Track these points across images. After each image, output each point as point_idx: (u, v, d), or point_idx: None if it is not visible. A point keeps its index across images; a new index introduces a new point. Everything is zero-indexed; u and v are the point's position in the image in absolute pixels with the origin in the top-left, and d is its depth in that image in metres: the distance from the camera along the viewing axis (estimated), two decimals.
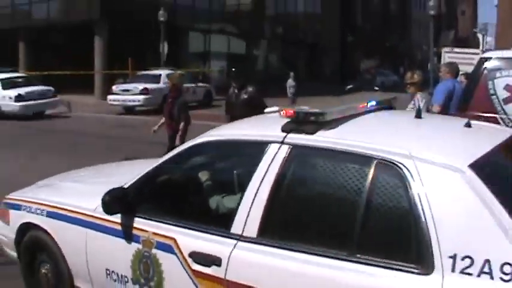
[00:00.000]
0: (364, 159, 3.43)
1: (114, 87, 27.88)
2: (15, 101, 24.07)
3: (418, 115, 4.06)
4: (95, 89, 35.56)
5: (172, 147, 8.61)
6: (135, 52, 35.68)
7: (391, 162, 3.32)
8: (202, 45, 46.14)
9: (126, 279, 4.34)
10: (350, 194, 3.46)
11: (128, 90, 26.60)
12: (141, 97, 25.82)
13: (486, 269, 2.88)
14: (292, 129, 3.77)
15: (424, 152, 3.34)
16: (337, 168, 3.59)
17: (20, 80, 26.63)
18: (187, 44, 43.70)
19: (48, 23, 39.02)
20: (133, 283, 4.30)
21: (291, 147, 3.72)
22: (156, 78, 27.09)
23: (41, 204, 5.12)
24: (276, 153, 3.74)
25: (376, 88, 23.46)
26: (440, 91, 9.33)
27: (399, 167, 3.27)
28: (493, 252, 2.90)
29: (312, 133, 3.68)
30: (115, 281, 4.44)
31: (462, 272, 2.93)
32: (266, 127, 4.20)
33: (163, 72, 27.90)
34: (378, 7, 78.96)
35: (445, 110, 8.87)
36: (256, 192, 3.71)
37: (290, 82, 24.66)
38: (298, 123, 3.77)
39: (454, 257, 2.96)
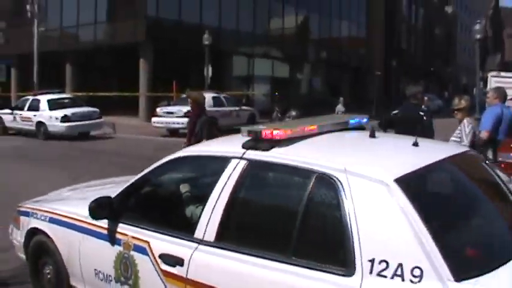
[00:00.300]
0: (307, 173, 3.82)
1: (158, 110, 27.99)
2: (62, 121, 24.38)
3: (372, 135, 4.47)
4: (140, 111, 35.84)
5: None
6: (180, 75, 35.89)
7: (328, 176, 3.70)
8: (246, 68, 46.28)
9: (110, 278, 4.83)
10: (292, 203, 3.98)
11: (172, 113, 26.65)
12: (185, 119, 25.77)
13: (399, 272, 3.22)
14: (251, 147, 4.23)
15: (357, 167, 3.71)
16: (284, 181, 4.20)
17: (66, 101, 26.97)
18: (231, 67, 43.82)
19: (95, 45, 39.55)
20: (115, 282, 4.77)
21: (248, 162, 4.18)
22: None
23: (45, 211, 5.71)
24: (235, 167, 4.20)
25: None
26: (488, 117, 9.02)
27: (334, 180, 3.65)
28: (406, 258, 3.24)
29: (267, 150, 4.13)
30: (101, 280, 4.93)
31: (378, 274, 3.27)
32: (231, 145, 4.60)
33: (208, 95, 27.93)
34: (423, 31, 78.42)
35: (493, 136, 8.65)
36: (216, 201, 4.16)
37: (339, 107, 24.23)
38: (256, 141, 4.22)
39: (372, 261, 3.31)
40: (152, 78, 35.98)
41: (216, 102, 27.60)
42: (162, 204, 5.22)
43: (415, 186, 3.70)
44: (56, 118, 24.51)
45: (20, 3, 36.24)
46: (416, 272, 3.18)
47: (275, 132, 4.13)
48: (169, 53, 39.08)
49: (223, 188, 4.18)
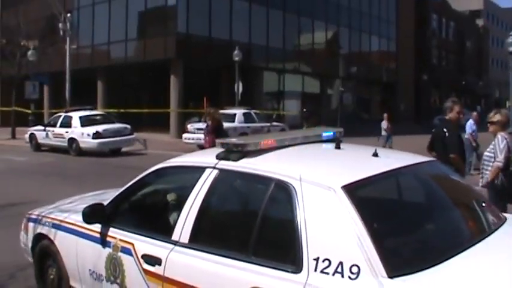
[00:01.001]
0: (267, 181, 4.18)
1: (189, 126, 27.98)
2: (93, 138, 24.48)
3: (338, 146, 4.84)
4: (171, 127, 35.94)
5: None
6: (210, 91, 36.02)
7: (284, 183, 4.04)
8: (276, 84, 46.26)
9: (102, 277, 5.19)
10: (253, 208, 4.37)
11: (202, 129, 26.60)
12: None
13: (339, 269, 3.52)
14: (223, 157, 4.62)
15: (311, 175, 4.05)
16: (249, 188, 4.65)
17: (98, 117, 27.12)
18: (262, 83, 43.81)
19: (126, 62, 39.87)
20: (106, 281, 5.13)
21: (219, 171, 4.57)
22: (231, 117, 27.08)
23: (49, 217, 6.16)
24: (208, 175, 4.59)
25: None
26: None
27: (289, 187, 3.98)
28: (346, 256, 3.53)
29: (236, 160, 4.50)
30: (95, 279, 5.30)
31: (322, 271, 3.58)
32: (207, 156, 5.03)
33: (238, 111, 27.90)
34: (454, 45, 77.71)
35: None
36: (191, 206, 4.53)
37: (384, 123, 23.79)
38: (228, 152, 4.61)
39: (317, 259, 3.62)
40: (183, 95, 36.11)
41: (247, 118, 27.56)
42: (146, 209, 5.63)
43: (361, 192, 3.99)
44: (88, 134, 24.62)
45: (53, 21, 36.64)
46: (354, 269, 3.47)
47: (244, 144, 4.56)
48: (199, 69, 39.23)
49: (197, 194, 4.56)
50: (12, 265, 7.70)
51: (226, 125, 25.97)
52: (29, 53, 35.64)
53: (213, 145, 10.19)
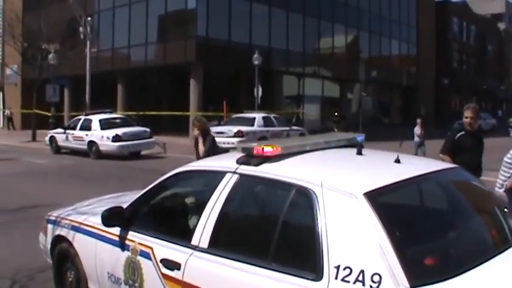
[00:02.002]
0: (288, 187, 4.14)
1: None
2: (113, 141, 24.52)
3: (359, 152, 4.77)
4: (190, 130, 35.85)
5: None
6: (229, 95, 35.99)
7: (305, 189, 3.99)
8: (296, 88, 46.16)
9: (120, 280, 5.17)
10: (274, 214, 4.29)
11: (222, 133, 26.54)
12: (235, 139, 25.69)
13: (360, 278, 3.46)
14: (243, 162, 4.59)
15: (332, 182, 3.98)
16: (269, 194, 4.60)
17: (117, 120, 27.17)
18: (281, 87, 43.74)
19: (146, 66, 40.01)
20: (124, 284, 5.12)
21: (240, 176, 4.53)
22: (251, 121, 27.01)
23: (68, 219, 6.18)
24: (229, 180, 4.55)
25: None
26: None
27: (310, 193, 3.93)
28: (367, 265, 3.47)
29: (257, 165, 4.47)
30: (113, 282, 5.28)
31: (343, 279, 3.51)
32: (227, 160, 4.93)
33: (258, 115, 27.82)
34: (475, 48, 77.11)
35: None
36: (211, 211, 4.50)
37: (417, 129, 23.34)
38: (249, 157, 4.58)
39: (338, 267, 3.56)
40: (202, 98, 36.13)
41: (266, 122, 27.44)
42: (165, 213, 5.58)
43: (383, 199, 3.92)
44: (108, 138, 24.67)
45: (74, 25, 36.85)
46: (376, 278, 3.41)
47: (265, 149, 4.50)
48: (219, 73, 39.27)
49: (217, 199, 4.53)
50: (32, 267, 7.73)
51: (245, 128, 26.19)
52: (50, 56, 35.83)
53: (206, 151, 10.04)
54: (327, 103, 48.66)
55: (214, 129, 27.39)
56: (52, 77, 36.33)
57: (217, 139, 26.14)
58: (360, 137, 5.38)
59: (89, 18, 35.08)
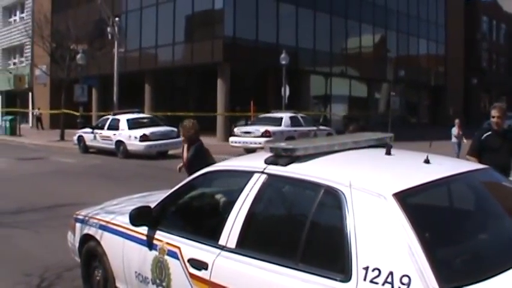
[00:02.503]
0: (316, 187, 4.11)
1: (235, 129, 27.90)
2: (140, 140, 24.61)
3: (388, 152, 4.73)
4: (217, 130, 35.92)
5: None
6: (257, 94, 35.93)
7: (334, 189, 3.97)
8: (323, 88, 45.95)
9: (147, 280, 5.23)
10: (302, 214, 4.26)
11: (249, 133, 26.51)
12: (263, 139, 25.60)
13: (389, 279, 3.41)
14: (272, 162, 4.58)
15: (361, 182, 3.95)
16: (297, 194, 4.56)
17: (145, 120, 27.28)
18: (309, 86, 43.56)
19: (173, 66, 40.08)
20: (152, 283, 5.16)
21: (268, 175, 4.52)
22: (278, 121, 26.90)
23: (96, 218, 6.27)
24: (257, 180, 4.55)
25: None
26: None
27: (339, 194, 3.91)
28: (396, 266, 3.43)
29: (285, 165, 4.45)
30: (141, 281, 5.35)
31: (371, 281, 3.47)
32: (255, 160, 4.97)
33: (285, 115, 27.72)
34: (505, 47, 76.16)
35: None
36: (238, 211, 4.50)
37: (455, 130, 22.81)
38: (277, 157, 4.57)
39: (366, 269, 3.52)
40: (229, 98, 36.09)
41: (294, 122, 27.31)
42: (193, 213, 5.60)
43: (413, 200, 3.89)
44: (135, 137, 24.77)
45: (102, 25, 37.07)
46: (405, 279, 3.37)
47: (293, 149, 4.51)
48: (246, 73, 39.22)
49: (245, 199, 4.53)
50: (60, 265, 7.80)
51: (272, 128, 26.09)
52: (78, 56, 36.12)
53: (190, 171, 8.47)
54: (355, 103, 48.41)
55: (241, 129, 27.48)
56: (80, 77, 36.59)
57: (244, 139, 26.58)
58: (389, 137, 5.38)
59: (117, 19, 35.19)
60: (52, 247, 8.70)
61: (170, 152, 26.16)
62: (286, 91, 34.12)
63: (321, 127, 29.88)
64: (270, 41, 38.22)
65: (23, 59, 57.88)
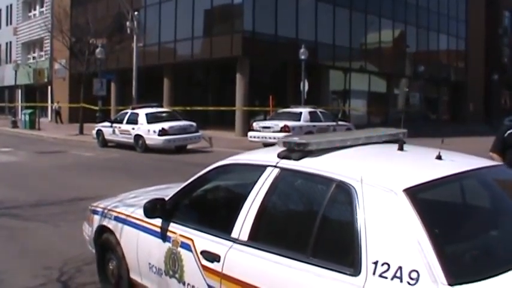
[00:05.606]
0: (328, 181, 4.12)
1: (254, 124, 27.82)
2: (159, 135, 24.57)
3: (401, 148, 4.72)
4: (236, 125, 35.87)
5: None
6: (276, 89, 35.84)
7: (345, 184, 3.99)
8: (342, 83, 45.75)
9: (161, 271, 5.27)
10: (314, 209, 4.26)
11: (268, 127, 26.40)
12: (281, 134, 25.45)
13: (398, 274, 3.43)
14: (285, 156, 4.59)
15: (372, 177, 3.96)
16: (309, 188, 4.50)
17: (164, 114, 27.23)
18: (328, 81, 43.39)
19: (192, 60, 40.07)
20: (165, 275, 5.20)
21: (281, 170, 4.55)
22: (297, 116, 26.80)
23: (111, 210, 6.35)
24: (270, 174, 4.58)
25: None
26: None
27: (350, 188, 3.93)
28: (405, 261, 3.45)
29: (298, 159, 4.47)
30: (154, 273, 5.40)
31: (380, 275, 3.50)
32: (268, 154, 5.04)
33: (304, 110, 27.59)
34: None
35: None
36: (251, 204, 4.53)
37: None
38: (290, 151, 4.58)
39: (376, 263, 3.54)
40: (248, 93, 36.02)
41: (313, 117, 27.19)
42: (206, 206, 5.65)
43: (423, 196, 3.90)
44: (154, 131, 24.73)
45: (120, 20, 37.12)
46: (414, 274, 3.38)
47: (306, 143, 4.52)
48: (265, 67, 39.12)
49: (258, 192, 4.56)
50: (79, 259, 7.79)
51: (291, 123, 26.00)
52: (97, 50, 36.17)
53: None
54: (374, 98, 48.17)
55: (260, 124, 27.39)
56: (99, 71, 36.65)
57: (263, 134, 26.49)
58: (402, 133, 5.36)
59: (136, 13, 35.21)
60: (71, 240, 8.67)
61: (189, 147, 26.20)
62: (305, 86, 34.00)
63: (340, 122, 29.71)
64: (289, 36, 38.09)
65: (42, 53, 58.25)
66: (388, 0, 47.84)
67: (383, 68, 47.95)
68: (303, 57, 33.75)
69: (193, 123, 26.38)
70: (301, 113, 27.17)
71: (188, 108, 33.81)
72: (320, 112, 28.46)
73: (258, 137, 26.52)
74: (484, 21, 64.02)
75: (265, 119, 30.01)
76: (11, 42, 64.84)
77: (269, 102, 32.74)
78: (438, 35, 56.31)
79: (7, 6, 65.88)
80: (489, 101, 63.88)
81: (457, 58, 60.06)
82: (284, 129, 25.46)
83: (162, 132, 24.59)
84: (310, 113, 27.38)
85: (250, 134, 27.29)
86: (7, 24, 66.33)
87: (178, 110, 32.45)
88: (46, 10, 55.77)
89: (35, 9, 60.81)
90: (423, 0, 52.94)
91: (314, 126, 26.26)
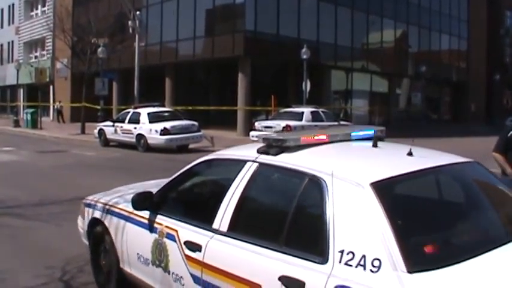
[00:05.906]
0: (301, 175, 4.37)
1: (256, 124, 27.84)
2: (161, 134, 24.57)
3: (375, 145, 4.92)
4: (238, 124, 35.84)
5: None
6: (278, 89, 35.80)
7: (317, 178, 4.23)
8: (344, 83, 45.74)
9: (148, 261, 5.55)
10: (287, 201, 4.47)
11: (270, 127, 26.41)
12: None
13: (362, 262, 3.66)
14: (263, 151, 4.85)
15: (343, 171, 4.20)
16: (284, 182, 4.79)
17: (166, 114, 27.22)
18: (329, 81, 43.38)
19: (194, 60, 40.04)
20: (152, 264, 5.48)
21: (259, 164, 4.80)
22: (299, 116, 26.83)
23: (103, 203, 6.61)
24: (249, 168, 4.84)
25: None
26: None
27: (321, 182, 4.16)
28: (369, 250, 3.67)
29: (275, 155, 4.73)
30: (142, 263, 5.67)
31: (346, 263, 3.72)
32: (249, 150, 5.22)
33: (306, 109, 27.59)
34: None
35: None
36: (231, 197, 4.79)
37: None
38: (268, 147, 4.84)
39: (342, 252, 3.77)
40: (250, 92, 36.00)
41: (315, 117, 27.22)
42: (191, 199, 5.93)
43: (390, 190, 4.15)
44: (156, 131, 24.73)
45: (122, 19, 37.07)
46: (376, 262, 3.60)
47: (283, 140, 4.78)
48: (267, 67, 39.08)
49: (237, 186, 4.81)
50: (81, 258, 7.78)
51: (293, 123, 25.99)
52: (99, 50, 36.16)
53: None
54: (375, 98, 48.13)
55: (262, 124, 27.38)
56: (101, 70, 36.63)
57: (264, 133, 26.30)
58: (377, 131, 5.53)
59: (138, 12, 35.12)
60: (73, 240, 8.62)
61: (191, 146, 26.20)
62: (307, 86, 34.05)
63: (342, 122, 29.72)
64: (291, 36, 38.06)
65: (44, 52, 58.24)
66: (390, 0, 47.76)
67: (385, 67, 47.93)
68: (304, 57, 33.79)
69: (195, 123, 26.38)
70: (303, 112, 27.21)
71: (190, 107, 33.79)
72: (322, 112, 28.49)
73: (260, 137, 26.41)
74: (485, 21, 63.96)
75: (267, 119, 30.02)
76: (13, 42, 64.86)
77: (271, 102, 32.73)
78: (440, 35, 56.24)
79: (9, 6, 65.85)
80: (491, 101, 63.86)
81: (459, 58, 59.99)
82: (286, 129, 25.46)
83: (164, 132, 24.60)
84: (312, 112, 27.43)
85: (252, 133, 27.27)
86: (9, 24, 66.34)
87: (180, 109, 32.40)
88: (48, 9, 55.74)
89: (36, 9, 60.79)
90: (425, 0, 52.86)
91: (316, 125, 26.21)
